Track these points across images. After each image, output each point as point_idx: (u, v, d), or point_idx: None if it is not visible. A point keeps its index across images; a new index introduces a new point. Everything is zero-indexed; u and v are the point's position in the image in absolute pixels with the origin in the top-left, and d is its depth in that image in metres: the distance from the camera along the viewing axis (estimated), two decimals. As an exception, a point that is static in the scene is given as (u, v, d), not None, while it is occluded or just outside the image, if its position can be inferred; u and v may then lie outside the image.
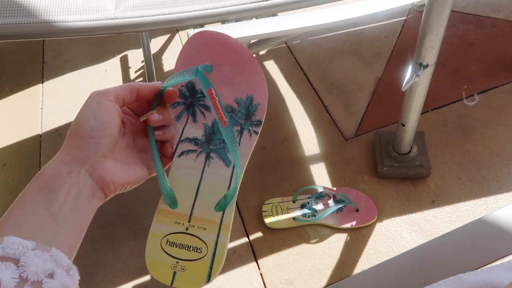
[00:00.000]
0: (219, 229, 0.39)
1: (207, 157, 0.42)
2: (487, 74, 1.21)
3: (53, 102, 1.34)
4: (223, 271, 0.93)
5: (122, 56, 1.46)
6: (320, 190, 1.00)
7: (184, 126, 0.43)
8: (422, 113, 0.92)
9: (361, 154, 1.09)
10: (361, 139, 1.12)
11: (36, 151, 1.21)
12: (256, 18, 0.89)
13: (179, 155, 0.42)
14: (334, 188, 1.01)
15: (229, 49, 0.43)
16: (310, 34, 1.39)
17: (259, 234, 0.98)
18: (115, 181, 0.36)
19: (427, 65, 0.78)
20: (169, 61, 1.42)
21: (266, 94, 0.43)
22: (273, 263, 0.93)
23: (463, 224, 0.91)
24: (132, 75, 1.39)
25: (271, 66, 1.32)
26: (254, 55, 1.36)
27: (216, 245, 0.39)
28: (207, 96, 0.38)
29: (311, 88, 1.25)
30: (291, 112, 1.20)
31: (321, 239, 0.95)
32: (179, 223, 0.40)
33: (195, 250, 0.38)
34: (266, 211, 0.99)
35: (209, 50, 0.43)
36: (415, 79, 0.79)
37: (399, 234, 0.94)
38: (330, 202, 0.99)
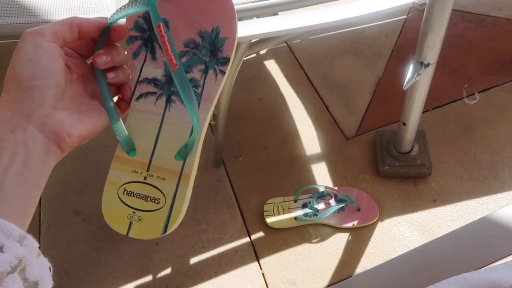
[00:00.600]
0: (179, 179, 0.37)
1: (168, 101, 0.38)
2: (487, 72, 1.21)
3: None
4: (225, 270, 0.93)
5: (122, 56, 1.45)
6: (321, 189, 1.00)
7: (143, 65, 0.38)
8: (423, 112, 0.92)
9: (362, 153, 1.08)
10: (362, 138, 1.12)
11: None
12: (257, 17, 0.89)
13: (137, 98, 0.38)
14: (336, 188, 1.01)
15: None
16: (311, 34, 1.39)
17: (261, 234, 0.98)
18: (71, 134, 0.31)
19: (428, 64, 0.78)
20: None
21: (235, 26, 0.37)
22: (275, 263, 0.93)
23: (465, 223, 0.91)
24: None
25: (272, 66, 1.32)
26: (255, 54, 1.36)
27: (174, 196, 0.37)
28: (155, 31, 0.34)
29: (312, 87, 1.25)
30: (292, 112, 1.20)
31: (323, 238, 0.95)
32: (137, 172, 0.37)
33: (153, 200, 0.37)
34: (267, 210, 0.99)
35: None
36: (416, 78, 0.79)
37: (400, 234, 0.94)
38: (332, 201, 0.98)
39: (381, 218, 0.97)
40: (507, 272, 0.43)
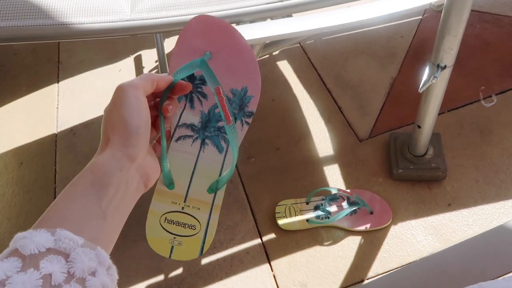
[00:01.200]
0: (211, 209, 0.44)
1: (202, 143, 0.45)
2: (505, 74, 1.19)
3: (68, 102, 1.36)
4: (236, 271, 0.93)
5: (136, 56, 1.46)
6: (334, 192, 1.00)
7: (182, 112, 0.45)
8: (438, 114, 0.90)
9: (376, 155, 1.07)
10: (376, 141, 1.10)
11: (52, 150, 1.23)
12: (271, 19, 0.88)
13: (177, 140, 0.45)
14: (348, 190, 1.00)
15: (227, 35, 0.44)
16: (324, 34, 1.38)
17: (272, 235, 0.98)
18: (155, 174, 0.38)
19: (445, 67, 0.77)
20: (182, 61, 1.42)
21: (259, 87, 0.45)
22: (286, 264, 0.93)
23: (480, 228, 0.90)
24: (146, 75, 1.40)
25: (285, 66, 1.32)
26: (268, 55, 1.36)
27: (208, 223, 0.43)
28: (214, 93, 0.41)
29: (325, 88, 1.24)
30: (305, 113, 1.19)
31: (335, 241, 0.95)
32: (176, 203, 0.43)
33: (190, 227, 0.43)
34: (279, 212, 0.99)
35: (207, 36, 0.44)
36: (432, 81, 0.77)
37: (414, 238, 0.93)
38: (344, 204, 0.98)
39: (394, 222, 0.96)
40: (526, 282, 0.42)
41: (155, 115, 0.43)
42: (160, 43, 1.28)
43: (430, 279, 0.47)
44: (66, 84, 1.41)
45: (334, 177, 1.05)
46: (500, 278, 0.44)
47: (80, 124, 1.28)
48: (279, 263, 0.93)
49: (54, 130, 1.28)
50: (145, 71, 1.41)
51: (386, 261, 0.90)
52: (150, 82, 0.39)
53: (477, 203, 0.96)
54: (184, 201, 0.43)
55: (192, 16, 0.79)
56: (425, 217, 0.96)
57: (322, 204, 0.98)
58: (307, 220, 0.96)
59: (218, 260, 0.95)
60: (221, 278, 0.93)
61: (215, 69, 0.44)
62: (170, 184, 0.44)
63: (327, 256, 0.93)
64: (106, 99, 1.45)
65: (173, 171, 0.44)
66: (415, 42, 1.32)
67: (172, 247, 0.43)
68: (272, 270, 0.93)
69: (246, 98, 0.45)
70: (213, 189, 0.44)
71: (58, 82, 1.43)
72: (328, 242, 0.95)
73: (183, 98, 0.45)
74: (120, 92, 0.37)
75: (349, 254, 0.93)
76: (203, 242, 0.43)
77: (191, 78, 0.45)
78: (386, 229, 0.95)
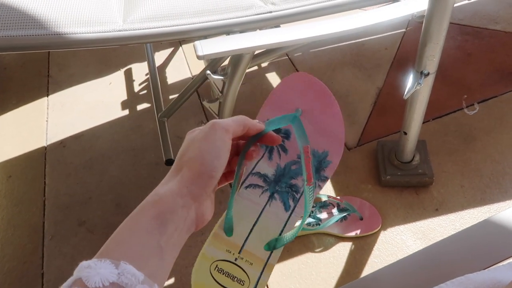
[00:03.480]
0: (264, 267, 0.41)
1: (271, 197, 0.43)
2: (486, 83, 1.23)
3: (58, 115, 1.36)
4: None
5: (127, 69, 1.48)
6: (324, 198, 1.01)
7: (259, 160, 0.44)
8: (423, 123, 0.93)
9: (364, 163, 1.09)
10: (364, 149, 1.13)
11: (41, 162, 1.22)
12: (260, 29, 0.91)
13: (246, 187, 0.43)
14: (338, 197, 1.02)
15: (322, 97, 0.44)
16: (311, 47, 1.42)
17: (264, 243, 0.98)
18: (208, 218, 0.37)
19: (428, 73, 0.80)
20: (172, 74, 1.44)
21: (340, 154, 0.44)
22: (278, 272, 0.93)
23: (467, 231, 0.92)
24: (136, 88, 1.41)
25: (273, 78, 1.34)
26: (257, 67, 1.38)
27: (257, 282, 0.40)
28: (301, 151, 0.40)
29: (313, 99, 1.27)
30: (294, 123, 1.21)
31: (326, 248, 0.96)
32: (230, 252, 0.41)
33: (239, 281, 0.40)
34: (270, 220, 0.99)
35: (304, 94, 0.44)
36: (416, 87, 0.80)
37: (403, 242, 0.94)
38: (334, 210, 0.99)
39: (384, 227, 0.97)
40: (510, 272, 0.43)
41: (233, 156, 0.42)
42: (150, 56, 1.29)
43: (419, 273, 0.49)
44: (56, 98, 1.41)
45: (324, 185, 1.07)
46: (486, 269, 0.46)
47: (70, 136, 1.28)
48: (271, 271, 0.94)
49: (43, 143, 1.27)
50: (135, 84, 1.42)
51: (376, 266, 0.91)
52: (242, 127, 0.38)
53: (463, 208, 0.98)
54: (239, 252, 0.41)
55: (183, 27, 0.81)
56: (413, 222, 0.97)
57: (312, 211, 0.99)
58: (298, 227, 0.97)
59: (210, 268, 0.95)
60: None
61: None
62: (229, 231, 0.42)
63: (319, 262, 0.94)
64: (95, 112, 1.45)
65: (235, 218, 0.42)
66: (400, 54, 1.36)
67: None
68: (264, 278, 0.93)
69: (325, 162, 0.43)
70: (270, 247, 0.41)
71: (48, 95, 1.43)
72: (320, 249, 0.96)
73: (263, 147, 0.44)
74: (211, 130, 0.36)
75: (340, 260, 0.94)
76: None
77: (276, 130, 0.43)
78: (376, 234, 0.96)
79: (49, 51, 1.55)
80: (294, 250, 0.96)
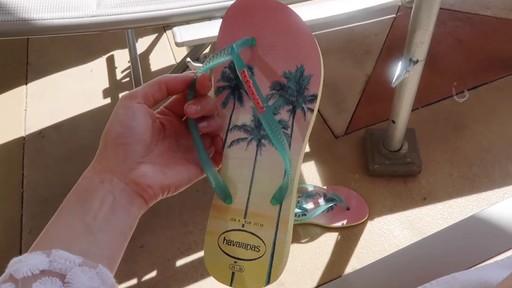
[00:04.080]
0: (277, 225, 0.36)
1: (259, 145, 0.38)
2: (476, 70, 1.21)
3: (37, 104, 1.31)
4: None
5: (108, 56, 1.43)
6: (310, 189, 0.99)
7: (232, 113, 0.39)
8: (412, 110, 0.91)
9: (352, 152, 1.07)
10: (352, 137, 1.10)
11: (20, 153, 1.18)
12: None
13: (229, 146, 0.38)
14: (325, 187, 1.00)
15: (274, 15, 0.38)
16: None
17: (249, 235, 0.96)
18: (152, 186, 0.34)
19: (417, 61, 0.77)
20: (156, 61, 1.39)
21: (319, 62, 0.37)
22: (263, 264, 0.92)
23: (455, 220, 0.90)
24: (119, 75, 1.36)
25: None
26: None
27: (274, 243, 0.35)
28: (240, 77, 0.35)
29: (301, 86, 1.24)
30: (281, 111, 1.18)
31: (312, 238, 0.94)
32: (235, 220, 0.37)
33: (253, 248, 0.36)
34: (256, 211, 0.97)
35: (251, 20, 0.38)
36: (405, 75, 0.77)
37: (390, 232, 0.93)
38: (321, 201, 0.97)
39: (371, 217, 0.96)
40: (497, 271, 0.41)
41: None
42: (132, 42, 1.25)
43: (405, 270, 0.47)
44: (35, 86, 1.36)
45: (310, 174, 1.05)
46: (473, 268, 0.44)
47: (49, 126, 1.24)
48: (256, 263, 0.92)
49: (22, 133, 1.23)
50: (118, 71, 1.38)
51: (363, 256, 0.90)
52: (157, 86, 0.35)
53: (451, 197, 0.97)
54: (244, 217, 0.36)
55: (160, 12, 0.77)
56: (401, 212, 0.96)
57: (298, 202, 0.97)
58: (284, 218, 0.95)
59: (193, 261, 0.93)
60: (196, 280, 0.91)
61: (260, 56, 0.38)
62: (226, 198, 0.37)
63: (304, 253, 0.92)
64: (77, 100, 1.41)
65: (229, 182, 0.37)
66: (389, 40, 1.33)
67: (233, 273, 0.36)
68: (249, 270, 0.91)
69: (304, 79, 0.37)
70: (277, 199, 0.36)
71: (26, 83, 1.38)
72: (305, 240, 0.94)
73: (231, 97, 0.39)
74: (118, 102, 0.35)
75: (326, 251, 0.92)
76: (270, 267, 0.35)
77: (236, 72, 0.37)
78: (363, 224, 0.94)
79: (27, 38, 1.50)
80: (280, 242, 0.94)
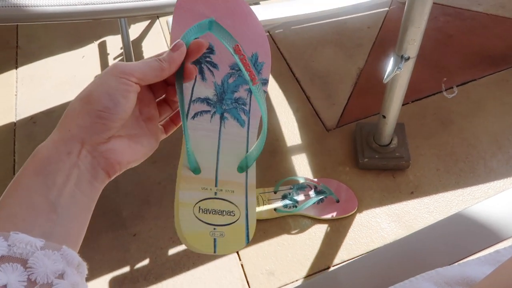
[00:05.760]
0: (246, 190, 0.39)
1: (222, 118, 0.40)
2: (466, 66, 1.23)
3: (28, 89, 1.30)
4: (204, 261, 0.93)
5: (101, 42, 1.41)
6: (301, 181, 1.01)
7: (194, 85, 0.40)
8: (402, 105, 0.92)
9: (342, 145, 1.09)
10: (343, 130, 1.12)
11: (11, 139, 1.17)
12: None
13: (193, 117, 0.40)
14: (315, 179, 1.02)
15: (230, 1, 0.41)
16: (293, 24, 1.38)
17: (240, 225, 0.98)
18: (121, 162, 0.33)
19: (409, 58, 0.79)
20: (149, 48, 1.38)
21: (269, 52, 0.41)
22: (254, 253, 0.94)
23: (441, 214, 0.93)
24: (111, 62, 1.35)
25: (253, 55, 1.31)
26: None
27: (247, 205, 0.38)
28: (232, 52, 0.36)
29: (294, 78, 1.25)
30: (273, 102, 1.19)
31: (302, 230, 0.96)
32: (207, 189, 0.38)
33: (229, 213, 0.38)
34: (247, 202, 0.98)
35: (209, 2, 0.40)
36: (396, 72, 0.79)
37: (378, 225, 0.95)
38: (311, 193, 0.99)
39: (360, 210, 0.98)
40: (479, 267, 0.43)
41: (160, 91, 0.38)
42: (124, 29, 1.24)
43: (391, 265, 0.49)
44: (26, 71, 1.35)
45: (301, 166, 1.06)
46: (456, 263, 0.46)
47: (40, 112, 1.23)
48: (246, 252, 0.94)
49: (13, 119, 1.22)
50: (110, 58, 1.37)
51: (351, 248, 0.92)
52: (158, 79, 0.35)
53: (438, 191, 0.99)
54: (215, 185, 0.38)
55: (155, 1, 0.77)
56: (389, 205, 0.98)
57: (289, 193, 0.99)
58: (275, 209, 0.97)
59: (185, 250, 0.95)
60: (188, 268, 0.92)
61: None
62: (195, 168, 0.38)
63: (294, 244, 0.94)
64: (68, 86, 1.39)
65: (196, 153, 0.38)
66: (382, 33, 1.34)
67: (215, 239, 0.36)
68: (240, 259, 0.93)
69: (258, 65, 0.41)
70: (243, 168, 0.39)
71: (16, 68, 1.36)
72: (296, 231, 0.96)
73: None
74: (108, 69, 0.33)
75: (315, 242, 0.94)
76: (247, 228, 0.37)
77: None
78: (352, 217, 0.97)
79: (17, 21, 1.47)
80: (270, 232, 0.96)
